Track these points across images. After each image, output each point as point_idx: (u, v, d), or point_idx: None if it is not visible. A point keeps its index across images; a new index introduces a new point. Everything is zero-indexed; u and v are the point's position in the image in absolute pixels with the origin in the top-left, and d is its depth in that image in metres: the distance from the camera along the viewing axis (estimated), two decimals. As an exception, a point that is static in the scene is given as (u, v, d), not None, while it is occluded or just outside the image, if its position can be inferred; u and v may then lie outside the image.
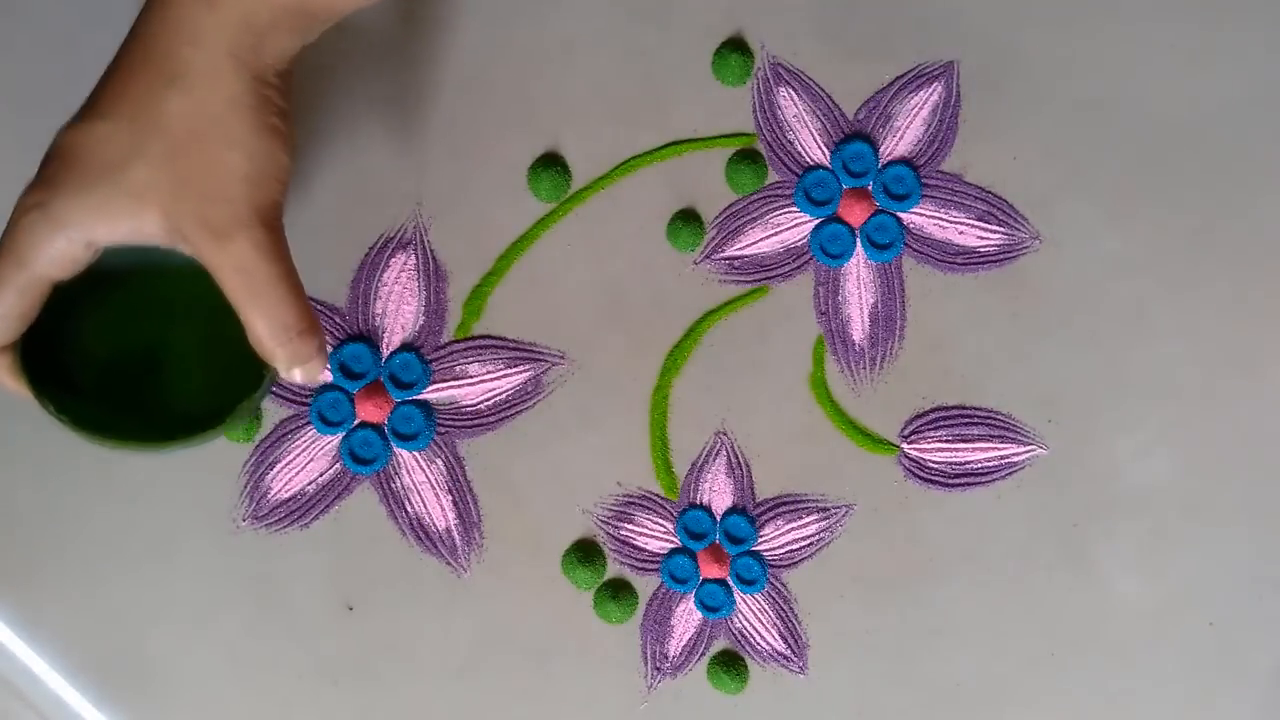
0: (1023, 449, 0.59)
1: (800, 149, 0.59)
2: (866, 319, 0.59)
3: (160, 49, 0.44)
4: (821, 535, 0.58)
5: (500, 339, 0.59)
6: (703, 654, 0.58)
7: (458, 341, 0.58)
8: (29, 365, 0.46)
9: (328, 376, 0.49)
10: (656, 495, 0.59)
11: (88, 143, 0.44)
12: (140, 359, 0.48)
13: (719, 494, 0.58)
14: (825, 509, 0.59)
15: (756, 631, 0.58)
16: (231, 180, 0.44)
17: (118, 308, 0.48)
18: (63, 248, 0.44)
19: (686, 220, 0.59)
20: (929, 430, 0.59)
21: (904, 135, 0.59)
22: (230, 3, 0.44)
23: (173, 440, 0.46)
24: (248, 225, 0.44)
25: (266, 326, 0.45)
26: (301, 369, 0.46)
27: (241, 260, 0.44)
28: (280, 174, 0.46)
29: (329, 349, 0.58)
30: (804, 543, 0.58)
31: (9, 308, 0.44)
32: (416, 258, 0.58)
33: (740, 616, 0.58)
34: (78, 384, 0.47)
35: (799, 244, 0.59)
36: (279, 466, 0.58)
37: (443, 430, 0.58)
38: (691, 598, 0.58)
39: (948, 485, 0.59)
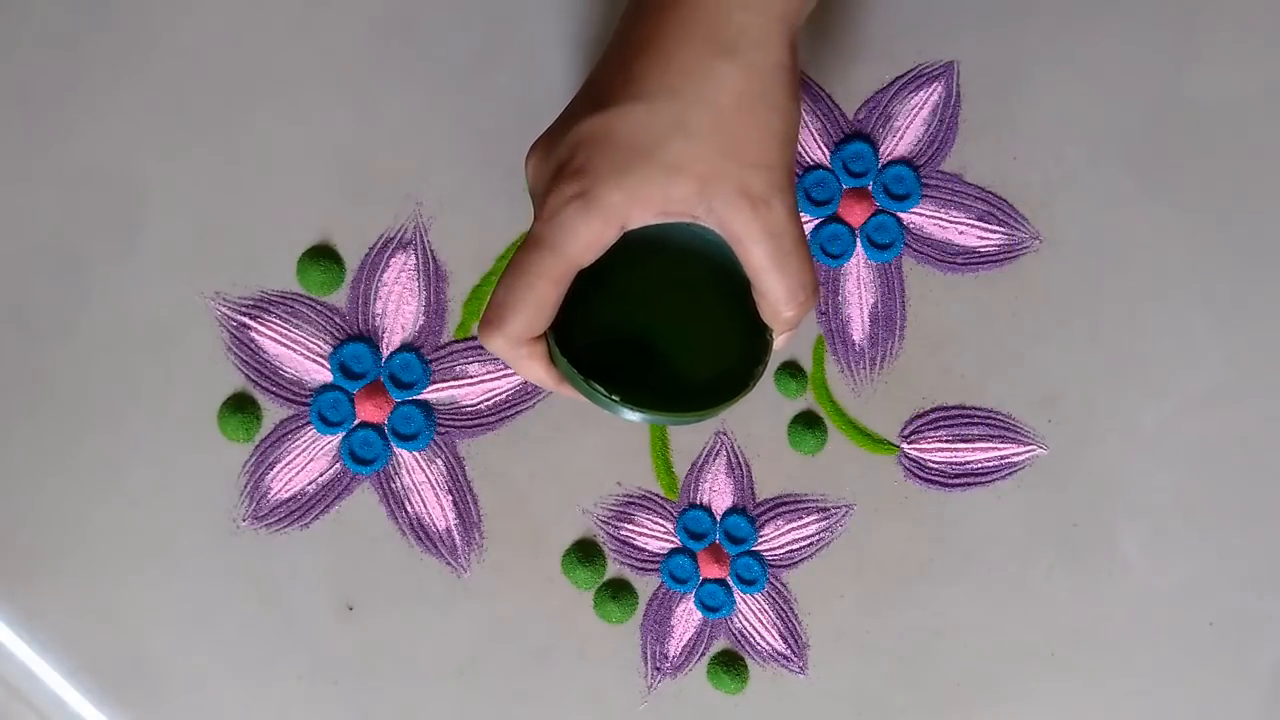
0: (1023, 449, 0.59)
1: (800, 149, 0.59)
2: (866, 319, 0.59)
3: (711, 18, 0.44)
4: (821, 535, 0.58)
5: (500, 339, 0.58)
6: (703, 654, 0.58)
7: (458, 341, 0.58)
8: (567, 355, 0.46)
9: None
10: (656, 495, 0.59)
11: (625, 127, 0.44)
12: (629, 339, 0.48)
13: (719, 494, 0.58)
14: (825, 509, 0.59)
15: (756, 631, 0.58)
16: (773, 145, 0.44)
17: (616, 288, 0.48)
18: (599, 232, 0.44)
19: (686, 220, 0.59)
20: (929, 430, 0.59)
21: (904, 135, 0.59)
22: None
23: (703, 410, 0.46)
24: (783, 190, 0.45)
25: (786, 288, 0.45)
26: (787, 336, 0.48)
27: (776, 225, 0.44)
28: (798, 134, 0.46)
29: (330, 348, 0.58)
30: (804, 543, 0.58)
31: (543, 297, 0.44)
32: (417, 258, 0.58)
33: (740, 616, 0.58)
34: (586, 363, 0.47)
35: (799, 244, 0.59)
36: (279, 466, 0.58)
37: (443, 430, 0.58)
38: (691, 598, 0.58)
39: (948, 485, 0.59)
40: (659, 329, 0.48)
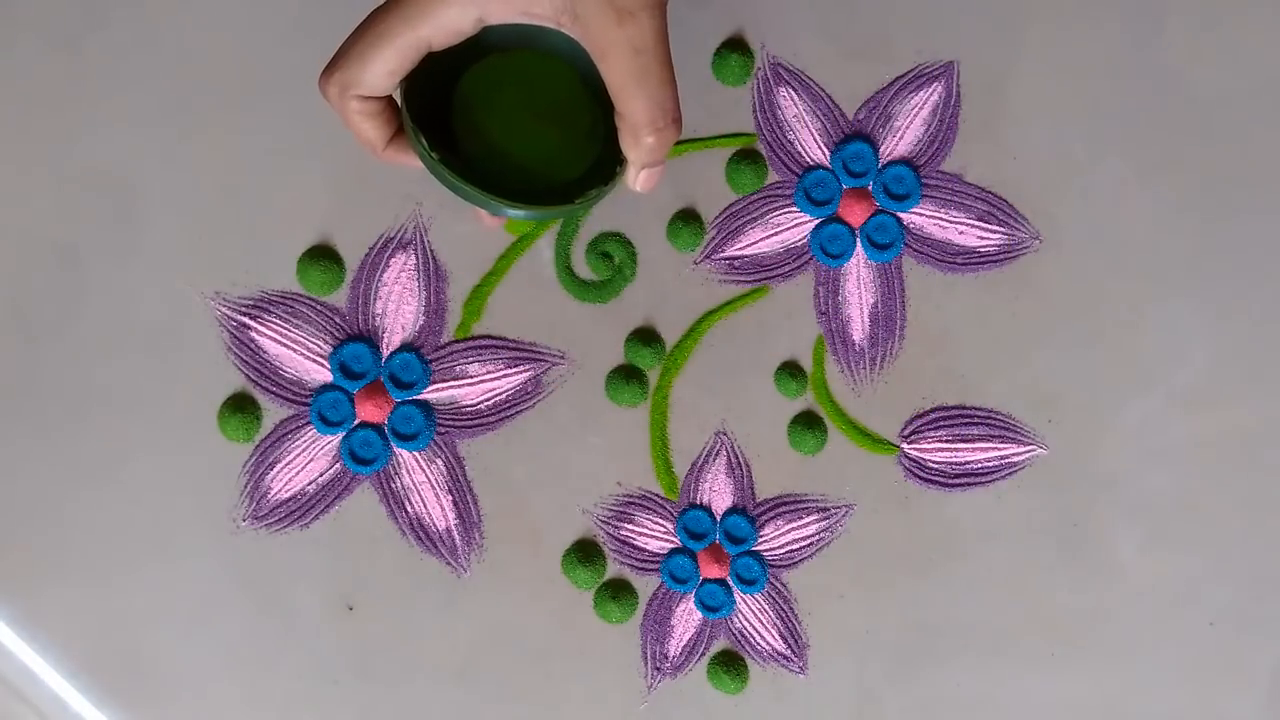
0: (1023, 449, 0.59)
1: (800, 149, 0.59)
2: (866, 319, 0.59)
3: None
4: (821, 535, 0.58)
5: (500, 339, 0.59)
6: (703, 654, 0.58)
7: (458, 341, 0.58)
8: (410, 111, 0.46)
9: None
10: (656, 495, 0.59)
11: None
12: (499, 133, 0.48)
13: (719, 494, 0.58)
14: (825, 509, 0.59)
15: (756, 631, 0.58)
16: None
17: (487, 82, 0.48)
18: (455, 17, 0.44)
19: (686, 220, 0.59)
20: (929, 430, 0.59)
21: (904, 135, 0.59)
22: None
23: (522, 205, 0.46)
24: (650, 5, 0.44)
25: (646, 109, 0.45)
26: (648, 172, 0.47)
27: (640, 39, 0.44)
28: None
29: (330, 348, 0.58)
30: (804, 543, 0.58)
31: (383, 58, 0.45)
32: (417, 258, 0.58)
33: (740, 616, 0.58)
34: (452, 143, 0.47)
35: (799, 244, 0.59)
36: (279, 467, 0.58)
37: (443, 430, 0.58)
38: (691, 598, 0.58)
39: (948, 485, 0.59)
40: (518, 134, 0.48)
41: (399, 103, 0.47)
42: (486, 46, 0.47)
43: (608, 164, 0.48)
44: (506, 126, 0.48)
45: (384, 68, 0.45)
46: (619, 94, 0.45)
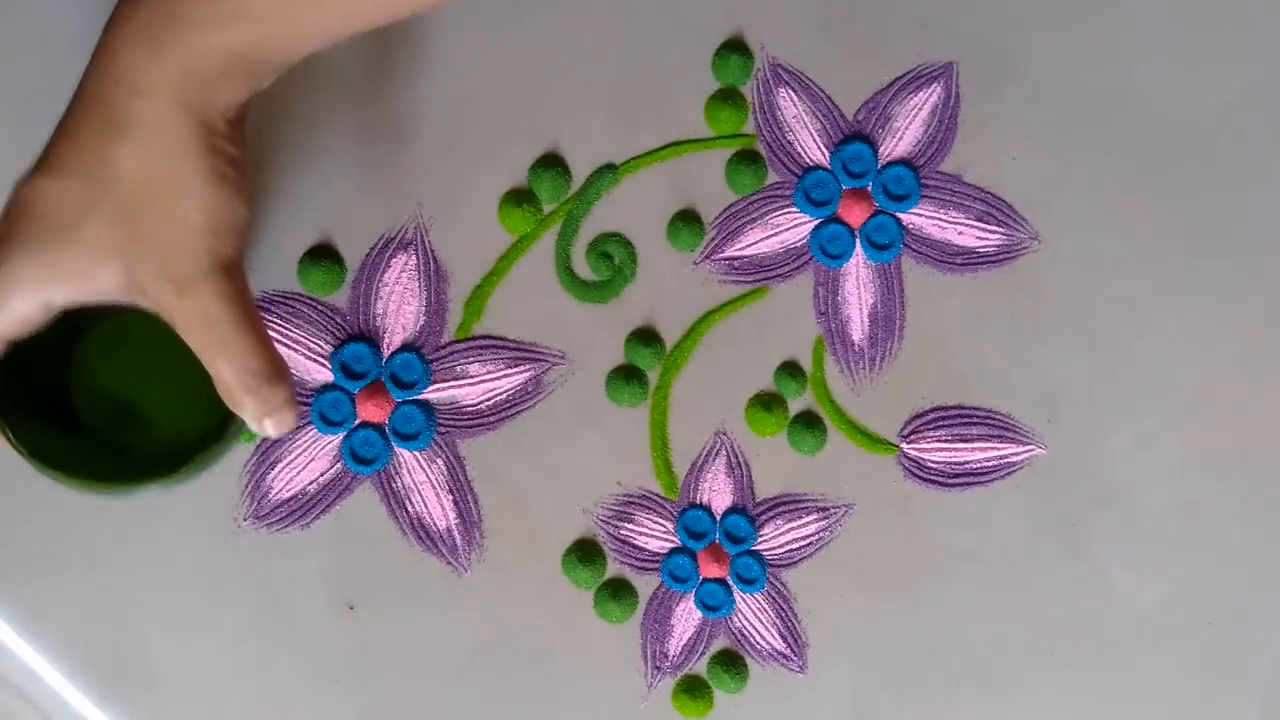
0: (1022, 449, 0.59)
1: (800, 149, 0.59)
2: (866, 319, 0.59)
3: (107, 102, 0.43)
4: (821, 535, 0.59)
5: (500, 339, 0.59)
6: (703, 653, 0.58)
7: (458, 341, 0.58)
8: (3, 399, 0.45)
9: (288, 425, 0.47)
10: (656, 495, 0.59)
11: (41, 200, 0.43)
12: (118, 405, 0.48)
13: (719, 494, 0.59)
14: (825, 509, 0.59)
15: (756, 631, 0.58)
16: (188, 232, 0.43)
17: (95, 353, 0.48)
18: (19, 308, 0.43)
19: (686, 220, 0.59)
20: (928, 430, 0.59)
21: (903, 136, 0.59)
22: (177, 53, 0.43)
23: (128, 483, 0.46)
24: (208, 274, 0.43)
25: (233, 374, 0.44)
26: (271, 419, 0.46)
27: (204, 309, 0.43)
28: (237, 222, 0.44)
29: (331, 348, 0.58)
30: (804, 542, 0.59)
31: None
32: (417, 258, 0.58)
33: (740, 616, 0.58)
34: (79, 425, 0.47)
35: (799, 244, 0.59)
36: (280, 466, 0.58)
37: (443, 430, 0.58)
38: (691, 597, 0.58)
39: (947, 485, 0.59)
40: (143, 398, 0.49)
41: None
42: (104, 311, 0.46)
43: (230, 422, 0.47)
44: (125, 390, 0.48)
45: None
46: (204, 362, 0.44)
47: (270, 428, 0.46)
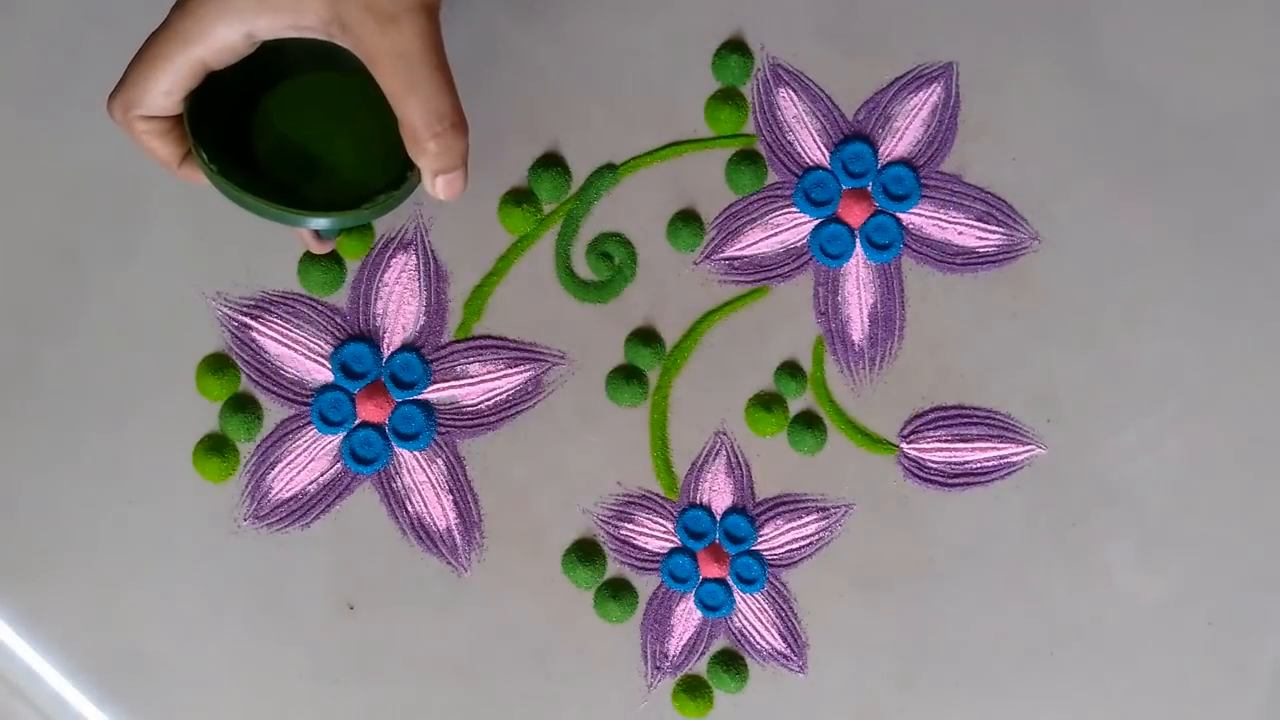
0: (1022, 449, 0.59)
1: (800, 149, 0.59)
2: (866, 319, 0.59)
3: None
4: (821, 535, 0.59)
5: (500, 339, 0.59)
6: (703, 653, 0.59)
7: (458, 341, 0.58)
8: (193, 127, 0.47)
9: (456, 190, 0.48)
10: (656, 495, 0.59)
11: None
12: (298, 156, 0.49)
13: (719, 494, 0.59)
14: (825, 509, 0.59)
15: (756, 631, 0.58)
16: None
17: (277, 110, 0.49)
18: (225, 35, 0.44)
19: (686, 220, 0.59)
20: (928, 430, 0.59)
21: (903, 136, 0.59)
22: None
23: (307, 211, 0.47)
24: (411, 10, 0.44)
25: (421, 115, 0.45)
26: (445, 179, 0.47)
27: (404, 45, 0.44)
28: None
29: (331, 348, 0.58)
30: (804, 542, 0.59)
31: (162, 77, 0.45)
32: (417, 258, 0.59)
33: (740, 616, 0.58)
34: (255, 166, 0.49)
35: (799, 244, 0.59)
36: (280, 466, 0.58)
37: (443, 430, 0.58)
38: (691, 597, 0.58)
39: (947, 485, 0.59)
40: (319, 150, 0.49)
41: (185, 121, 0.47)
42: (287, 70, 0.48)
43: (409, 172, 0.48)
44: (307, 144, 0.49)
45: (161, 87, 0.46)
46: (394, 101, 0.45)
47: (442, 188, 0.47)
